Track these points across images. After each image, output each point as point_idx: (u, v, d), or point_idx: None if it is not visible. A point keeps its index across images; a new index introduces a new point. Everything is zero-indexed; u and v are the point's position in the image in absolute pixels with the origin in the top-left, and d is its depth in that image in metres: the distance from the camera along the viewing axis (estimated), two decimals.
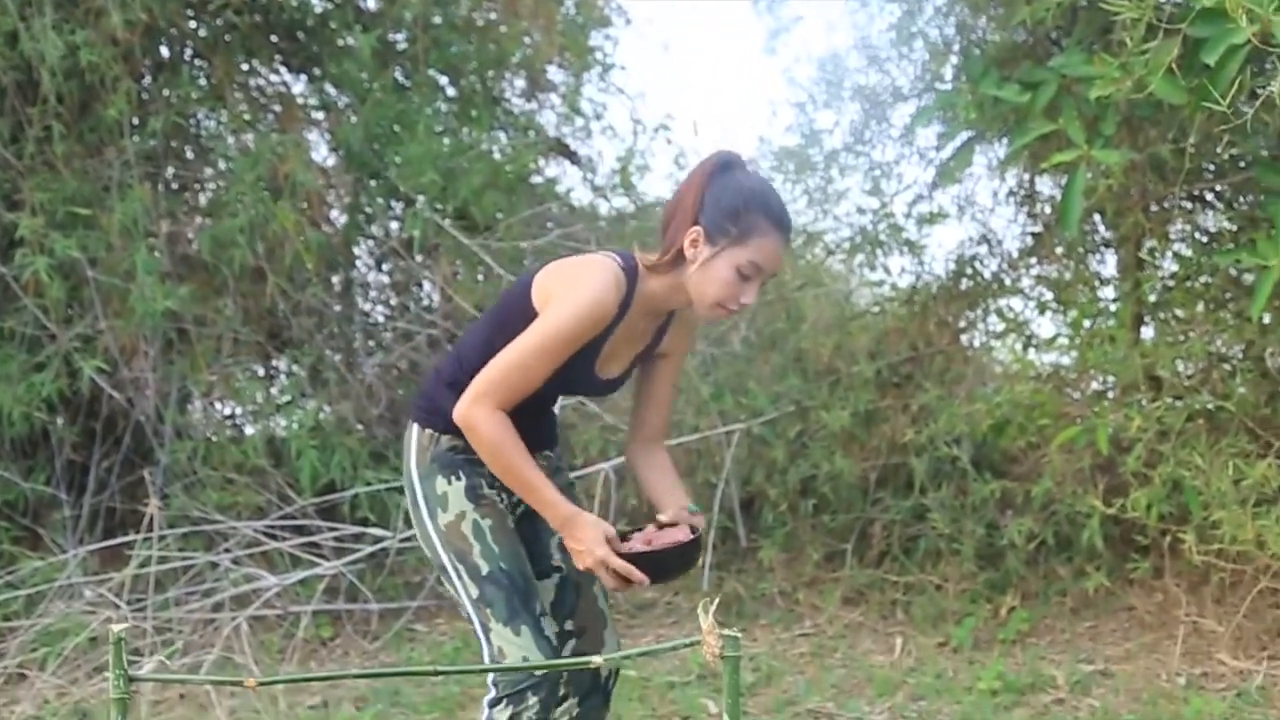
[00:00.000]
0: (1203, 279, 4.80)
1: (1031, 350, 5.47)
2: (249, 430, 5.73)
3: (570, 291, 2.74)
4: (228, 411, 5.83)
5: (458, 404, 2.72)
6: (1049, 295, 5.35)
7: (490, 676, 2.78)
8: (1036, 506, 4.87)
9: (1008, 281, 5.46)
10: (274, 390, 5.75)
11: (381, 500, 5.30)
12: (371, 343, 6.05)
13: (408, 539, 5.19)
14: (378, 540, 5.12)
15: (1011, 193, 5.50)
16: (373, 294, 6.14)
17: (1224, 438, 4.39)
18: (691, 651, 5.17)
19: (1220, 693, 4.30)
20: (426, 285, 6.07)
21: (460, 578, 2.79)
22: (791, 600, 5.44)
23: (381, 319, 6.11)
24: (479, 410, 2.69)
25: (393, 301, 6.07)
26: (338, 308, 5.73)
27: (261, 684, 2.13)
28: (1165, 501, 4.42)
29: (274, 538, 5.03)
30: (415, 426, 2.89)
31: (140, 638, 4.67)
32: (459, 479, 2.81)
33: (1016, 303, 5.53)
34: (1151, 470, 4.45)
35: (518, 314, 2.80)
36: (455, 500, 2.81)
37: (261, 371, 5.77)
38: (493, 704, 2.76)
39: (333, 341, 5.76)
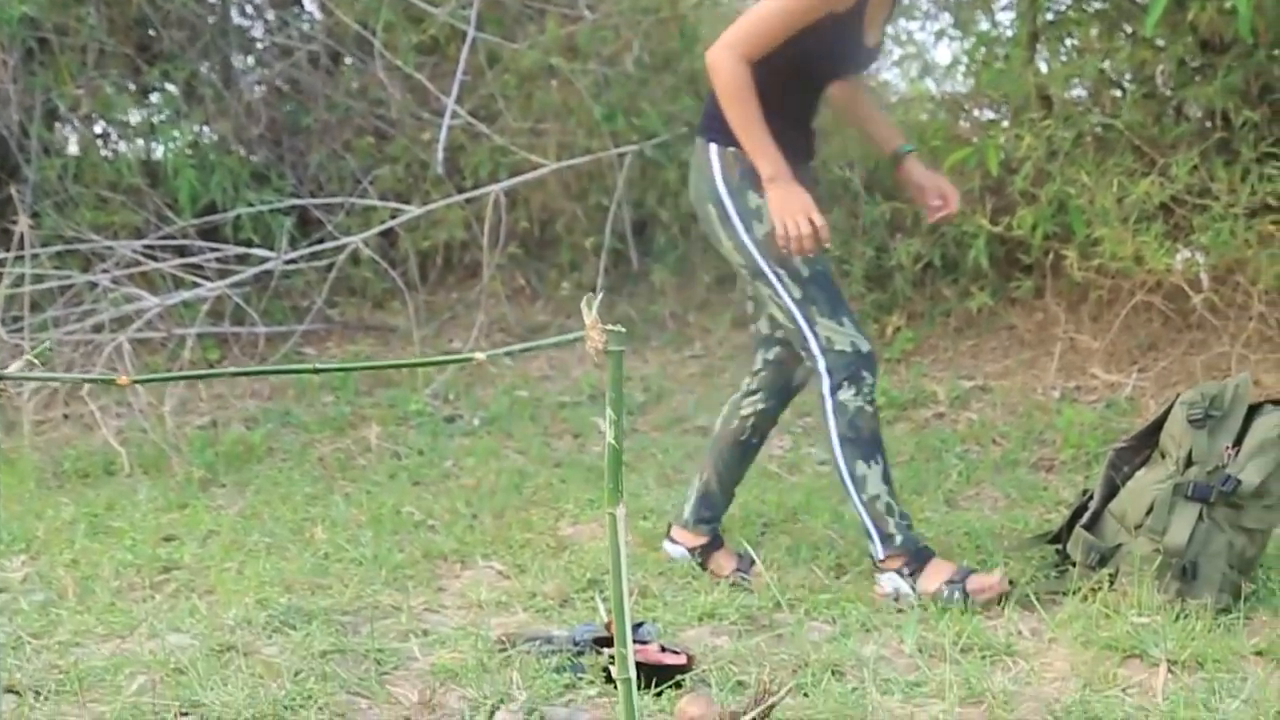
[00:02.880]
0: (1097, 3, 4.75)
1: (929, 79, 5.42)
2: (123, 149, 5.51)
3: None
4: (100, 130, 5.58)
5: (710, 48, 2.91)
6: (948, 20, 5.27)
7: (823, 366, 3.04)
8: (925, 229, 4.90)
9: (905, 1, 5.35)
10: (147, 109, 5.51)
11: (265, 222, 5.17)
12: (249, 59, 5.79)
13: (292, 261, 5.10)
14: (262, 261, 5.01)
15: None
16: (249, 8, 5.84)
17: (1111, 157, 4.43)
18: (584, 372, 5.22)
19: (1091, 404, 4.46)
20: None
21: (782, 281, 3.02)
22: (682, 322, 5.49)
23: (260, 33, 5.83)
24: (727, 55, 2.89)
25: (270, 16, 5.79)
26: (211, 20, 5.45)
27: (135, 381, 2.09)
28: (1050, 221, 4.48)
29: (154, 258, 4.90)
30: (714, 146, 3.04)
31: (18, 358, 4.57)
32: (757, 192, 2.97)
33: (915, 30, 5.45)
34: (1038, 189, 4.49)
35: None
36: (761, 214, 2.99)
37: (133, 87, 5.51)
38: (835, 389, 3.04)
39: (208, 58, 5.49)
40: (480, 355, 2.17)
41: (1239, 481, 2.87)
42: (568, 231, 5.57)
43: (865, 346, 3.04)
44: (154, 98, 5.57)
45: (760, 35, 2.90)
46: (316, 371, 2.18)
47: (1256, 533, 2.93)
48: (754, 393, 3.26)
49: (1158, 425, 3.10)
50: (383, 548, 3.40)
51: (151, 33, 5.34)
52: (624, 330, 2.09)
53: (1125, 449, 3.14)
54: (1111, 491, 3.10)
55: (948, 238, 4.91)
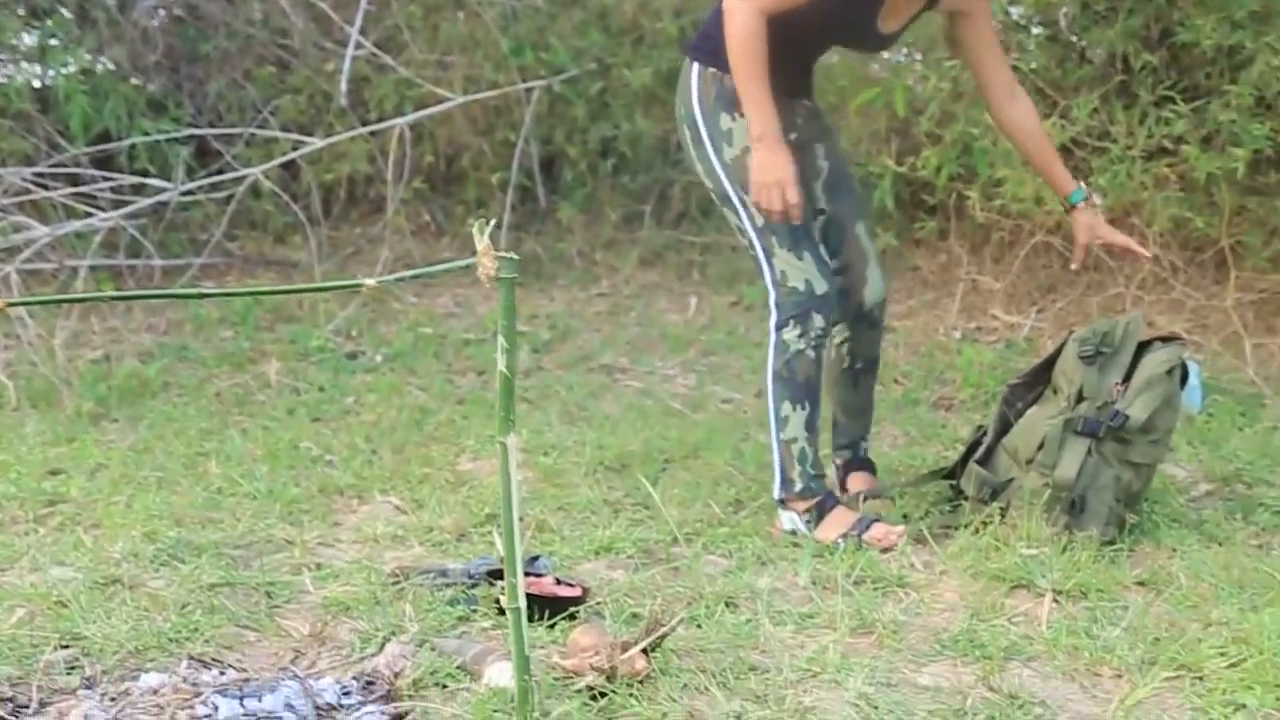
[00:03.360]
0: None
1: None
2: (13, 73, 5.33)
3: None
4: None
5: None
6: None
7: (773, 300, 3.01)
8: None
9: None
10: (39, 33, 5.32)
11: (161, 151, 5.05)
12: None
13: (190, 192, 4.99)
14: (158, 192, 4.89)
15: None
16: None
17: None
18: (489, 310, 5.17)
19: (991, 344, 4.52)
20: None
21: (745, 207, 2.97)
22: (589, 261, 5.46)
23: None
24: (745, 7, 2.83)
25: None
26: None
27: (10, 304, 2.02)
28: (955, 162, 4.50)
29: (44, 187, 4.76)
30: (696, 66, 3.00)
31: None
32: (743, 116, 2.89)
33: None
34: (944, 131, 4.51)
35: None
36: (740, 136, 2.93)
37: (24, 11, 5.32)
38: (780, 326, 3.00)
39: None
40: (370, 281, 2.14)
41: (1127, 417, 2.92)
42: (474, 167, 5.50)
43: (821, 287, 2.98)
44: (46, 22, 5.39)
45: None
46: (201, 296, 2.13)
47: (1143, 467, 2.99)
48: (837, 323, 3.19)
49: (1050, 362, 3.14)
50: (278, 482, 3.36)
51: None
52: (516, 258, 2.06)
53: (1018, 385, 3.18)
54: (1005, 427, 3.14)
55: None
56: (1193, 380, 3.97)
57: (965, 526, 2.98)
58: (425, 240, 5.60)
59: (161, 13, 5.52)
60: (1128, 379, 2.97)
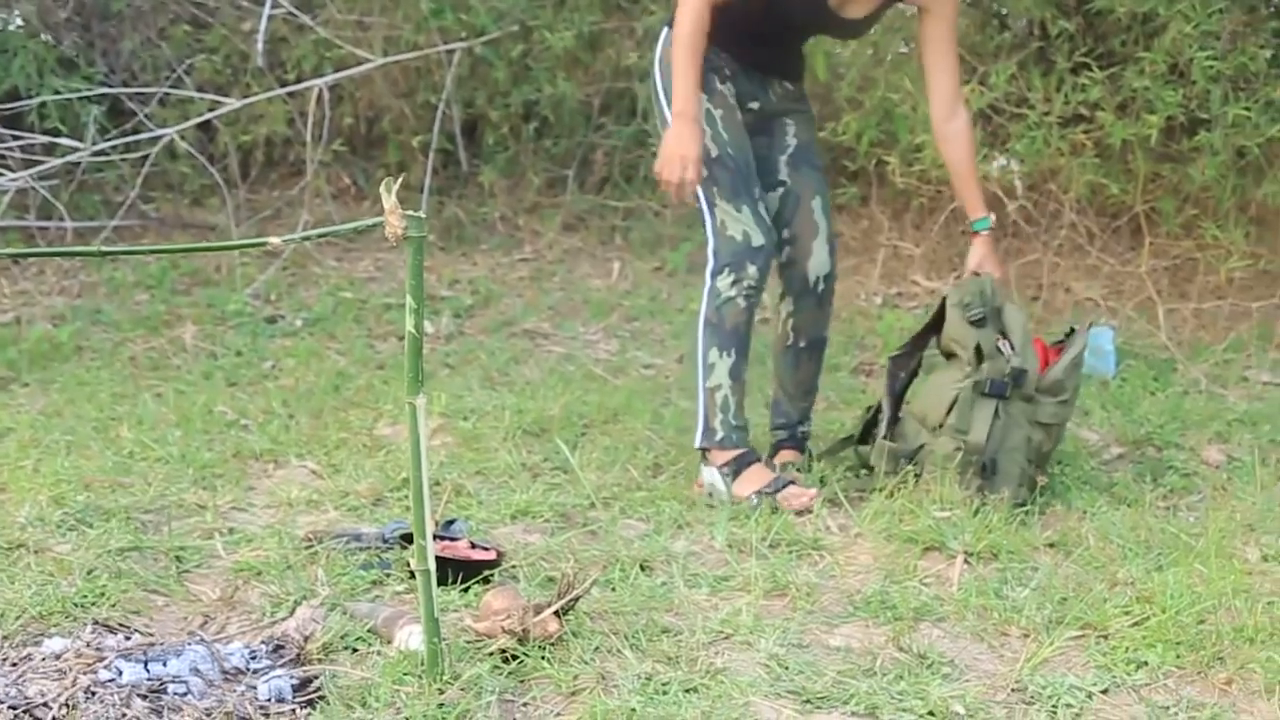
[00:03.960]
0: None
1: None
2: None
3: None
4: None
5: None
6: None
7: (711, 248, 3.08)
8: None
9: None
10: None
11: (74, 111, 4.93)
12: None
13: (102, 153, 4.88)
14: (70, 152, 4.78)
15: None
16: None
17: None
18: (406, 269, 5.12)
19: (911, 310, 4.55)
20: None
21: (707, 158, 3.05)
22: (512, 225, 5.42)
23: None
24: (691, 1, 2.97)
25: None
26: None
27: None
28: (875, 128, 4.52)
29: None
30: (665, 30, 3.12)
31: None
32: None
33: None
34: (864, 96, 4.52)
35: None
36: None
37: None
38: (715, 273, 3.07)
39: None
40: (275, 240, 2.11)
41: (1024, 370, 2.96)
42: (395, 130, 5.43)
43: (758, 240, 3.04)
44: None
45: None
46: (103, 255, 2.09)
47: (1052, 427, 3.03)
48: (783, 296, 3.27)
49: (927, 330, 3.18)
50: (191, 446, 3.31)
51: None
52: (423, 216, 2.04)
53: (900, 357, 3.22)
54: (898, 398, 3.17)
55: None
56: (1106, 345, 4.04)
57: (880, 490, 3.00)
58: (345, 204, 5.53)
59: None
60: (1004, 335, 3.02)
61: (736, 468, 3.06)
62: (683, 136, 2.96)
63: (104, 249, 1.95)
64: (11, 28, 5.15)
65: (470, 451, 3.35)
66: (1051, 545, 2.80)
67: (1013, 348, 2.99)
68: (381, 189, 2.01)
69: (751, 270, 3.05)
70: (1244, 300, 4.33)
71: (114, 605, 2.39)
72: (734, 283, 3.05)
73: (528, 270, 5.15)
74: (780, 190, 3.21)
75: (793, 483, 3.04)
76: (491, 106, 5.33)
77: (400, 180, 2.06)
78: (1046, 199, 4.47)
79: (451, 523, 2.82)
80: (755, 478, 3.05)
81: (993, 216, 3.25)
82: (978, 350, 3.00)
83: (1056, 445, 3.10)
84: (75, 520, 2.77)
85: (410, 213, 2.01)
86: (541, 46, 5.19)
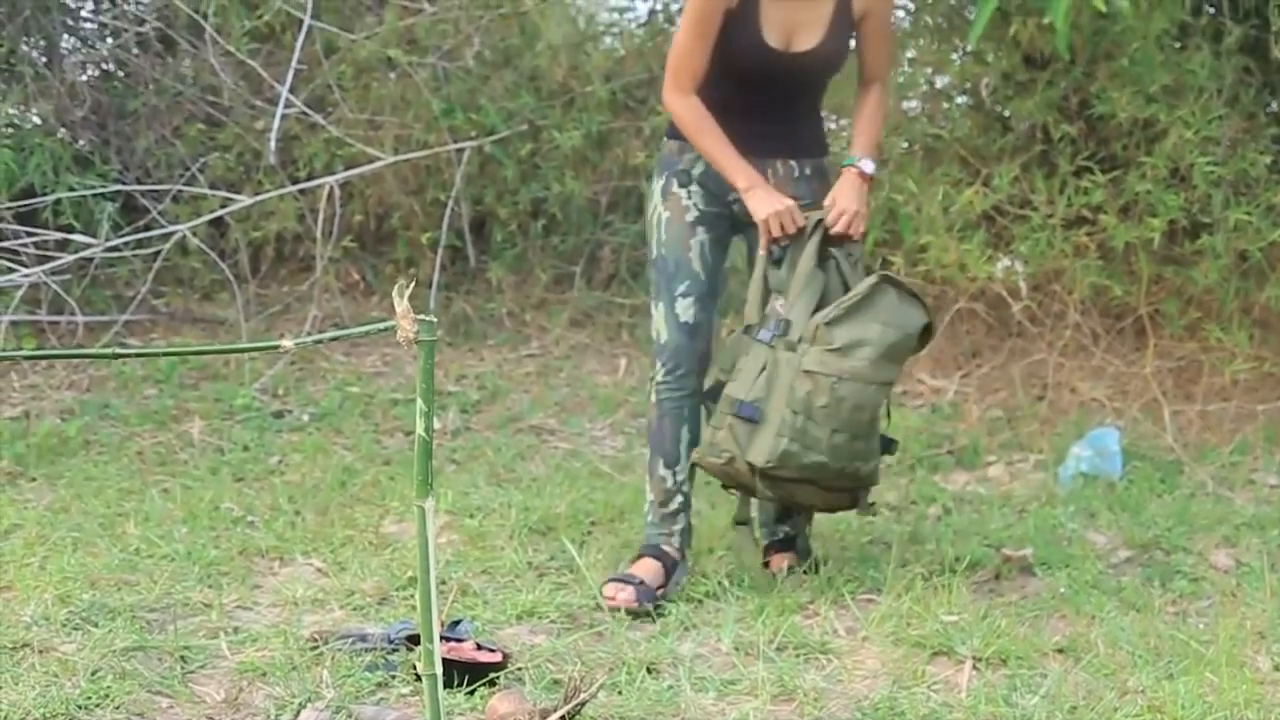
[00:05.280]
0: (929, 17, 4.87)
1: None
2: None
3: None
4: None
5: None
6: None
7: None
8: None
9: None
10: None
11: (87, 207, 4.99)
12: (75, 40, 5.57)
13: (115, 248, 4.93)
14: (83, 248, 4.83)
15: None
16: None
17: (938, 166, 4.54)
18: (417, 371, 5.15)
19: (917, 408, 4.56)
20: None
21: (652, 261, 3.23)
22: (519, 321, 5.45)
23: (87, 13, 5.62)
24: (672, 99, 3.10)
25: None
26: None
27: None
28: (880, 228, 4.56)
29: None
30: (665, 139, 3.25)
31: None
32: (660, 178, 3.20)
33: None
34: (869, 195, 4.56)
35: None
36: (653, 196, 3.22)
37: None
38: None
39: (29, 38, 5.27)
40: (288, 342, 2.12)
41: (789, 321, 2.99)
42: (404, 227, 5.48)
43: (664, 337, 3.15)
44: None
45: (684, 59, 3.06)
46: (115, 357, 2.10)
47: (820, 376, 2.95)
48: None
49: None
50: (197, 544, 3.31)
51: None
52: (434, 320, 2.06)
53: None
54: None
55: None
56: (1113, 446, 4.04)
57: (887, 590, 2.99)
58: (354, 299, 5.57)
59: (90, 68, 5.47)
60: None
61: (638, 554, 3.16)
62: (769, 199, 3.02)
63: (116, 350, 1.97)
64: (29, 126, 5.22)
65: (476, 550, 3.35)
66: (1060, 651, 2.78)
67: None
68: (394, 293, 2.03)
69: (658, 365, 3.17)
70: (1249, 402, 4.34)
71: (118, 708, 2.38)
72: (650, 379, 3.21)
73: (534, 366, 5.17)
74: None
75: (620, 581, 3.02)
76: (500, 204, 5.39)
77: (404, 283, 2.08)
78: (1051, 300, 4.50)
79: (457, 623, 2.81)
80: (630, 567, 3.12)
81: (866, 161, 3.17)
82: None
83: (852, 410, 2.97)
84: (80, 619, 2.77)
85: (422, 317, 2.03)
86: (550, 145, 5.27)
